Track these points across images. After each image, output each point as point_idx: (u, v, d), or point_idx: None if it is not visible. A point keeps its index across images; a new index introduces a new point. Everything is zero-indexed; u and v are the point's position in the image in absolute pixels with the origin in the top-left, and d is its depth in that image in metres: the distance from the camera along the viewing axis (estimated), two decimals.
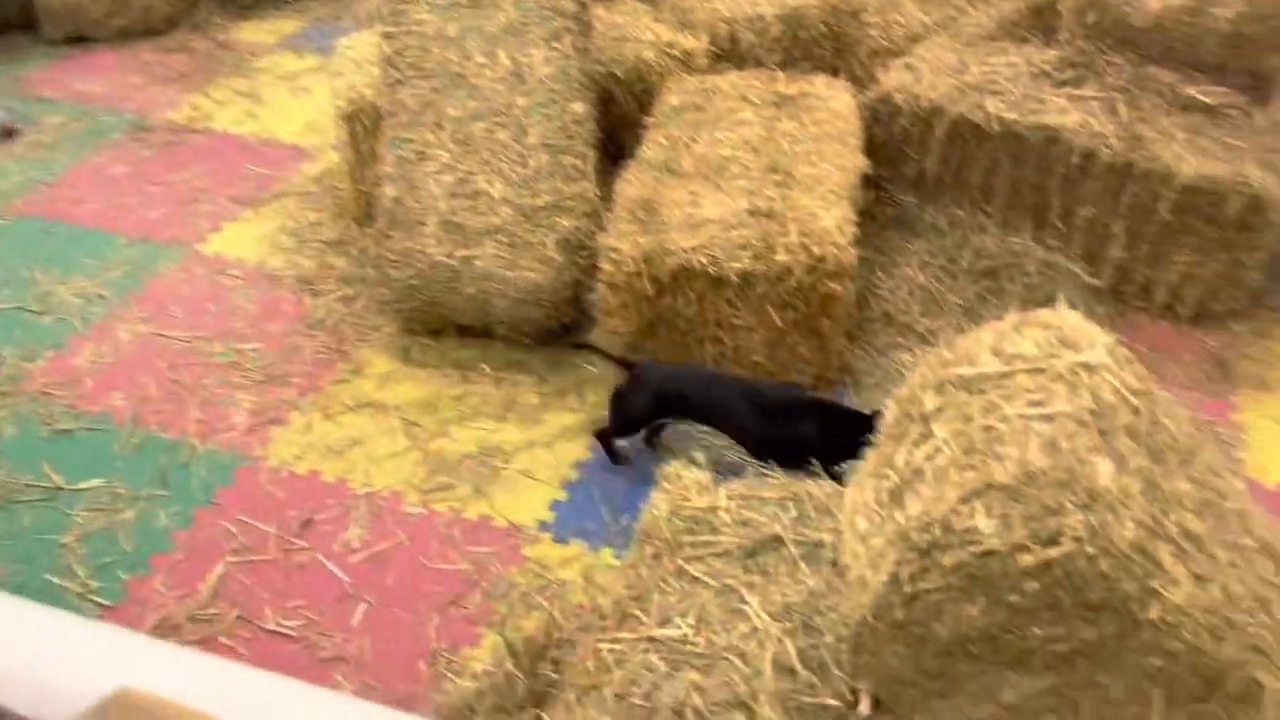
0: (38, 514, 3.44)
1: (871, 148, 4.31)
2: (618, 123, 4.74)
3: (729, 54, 4.77)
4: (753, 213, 3.76)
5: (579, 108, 4.08)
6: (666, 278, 3.63)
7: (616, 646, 2.39)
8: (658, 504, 2.74)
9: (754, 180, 3.92)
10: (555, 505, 3.50)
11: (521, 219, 3.94)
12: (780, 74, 4.53)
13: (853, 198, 3.88)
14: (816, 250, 3.58)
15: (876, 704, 2.18)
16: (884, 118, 4.48)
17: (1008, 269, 4.26)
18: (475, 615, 3.12)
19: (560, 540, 3.37)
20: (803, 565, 2.54)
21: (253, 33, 6.63)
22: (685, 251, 3.62)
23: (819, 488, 2.76)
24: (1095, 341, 2.20)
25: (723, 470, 3.45)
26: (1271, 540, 2.28)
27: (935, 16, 5.20)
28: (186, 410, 3.86)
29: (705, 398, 3.45)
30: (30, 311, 4.33)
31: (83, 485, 3.54)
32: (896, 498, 2.13)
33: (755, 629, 2.39)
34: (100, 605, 3.14)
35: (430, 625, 3.10)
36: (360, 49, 4.71)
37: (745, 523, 2.67)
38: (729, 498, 2.75)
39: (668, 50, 4.64)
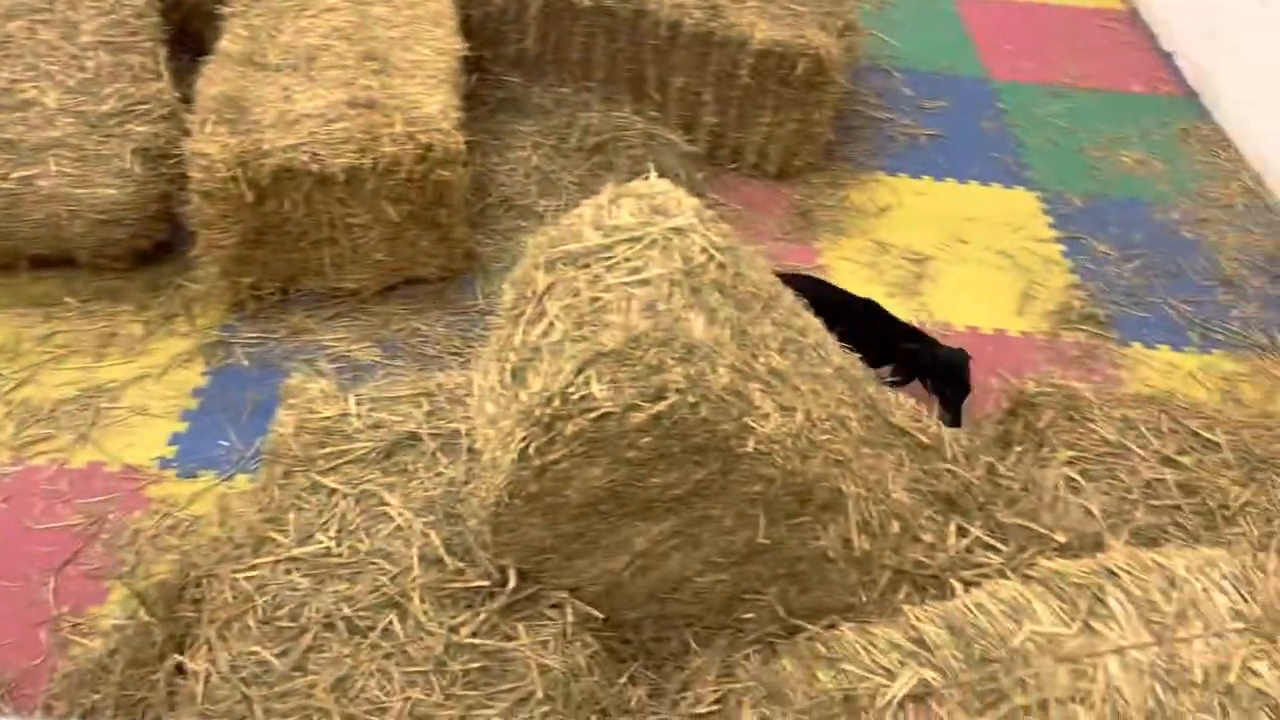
0: None
1: (469, 29, 4.23)
2: (191, 14, 4.29)
3: None
4: (352, 104, 3.58)
5: None
6: (266, 180, 3.39)
7: (255, 573, 2.30)
8: (283, 421, 2.62)
9: (349, 70, 3.72)
10: (176, 439, 3.25)
11: (87, 129, 3.50)
12: None
13: (455, 82, 3.81)
14: (423, 138, 3.49)
15: (523, 576, 2.28)
16: None
17: (614, 143, 4.40)
18: (99, 570, 2.86)
19: (187, 475, 3.15)
20: (441, 457, 2.55)
21: None
22: (283, 151, 3.40)
23: (449, 378, 2.77)
24: (684, 206, 2.33)
25: (351, 374, 3.39)
26: (846, 365, 2.60)
27: None
28: None
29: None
30: None
31: None
32: (519, 377, 2.19)
33: (399, 528, 2.39)
34: None
35: (46, 590, 2.81)
36: None
37: (378, 425, 2.63)
38: (359, 403, 2.69)
39: None
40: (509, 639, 2.23)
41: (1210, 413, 3.03)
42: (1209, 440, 2.91)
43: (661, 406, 1.98)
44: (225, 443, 3.24)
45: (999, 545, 2.56)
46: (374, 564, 2.33)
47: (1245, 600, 1.98)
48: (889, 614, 2.32)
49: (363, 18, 3.97)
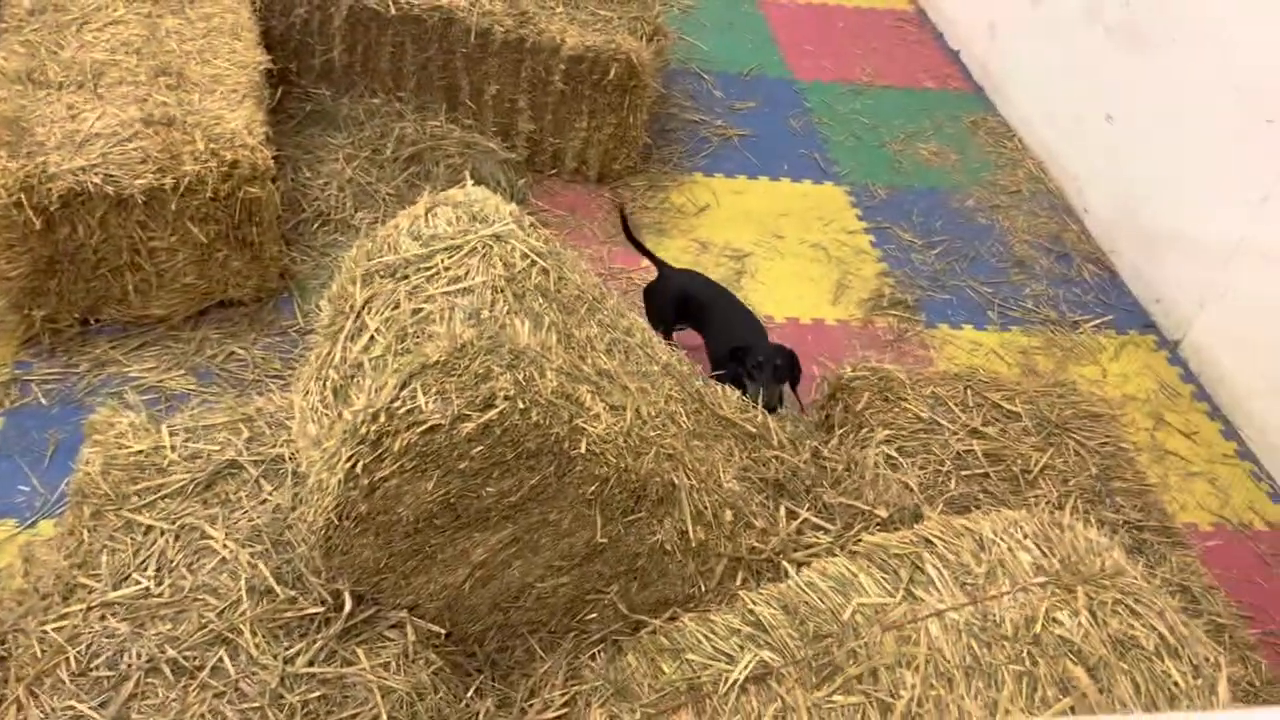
0: None
1: (272, 41, 4.10)
2: None
3: None
4: (148, 122, 3.40)
5: None
6: (55, 206, 3.18)
7: (65, 623, 2.15)
8: (89, 459, 2.47)
9: (142, 86, 3.54)
10: None
11: None
12: None
13: (258, 96, 3.67)
14: (228, 155, 3.35)
15: (359, 599, 2.22)
16: (279, 8, 4.25)
17: (431, 152, 4.34)
18: None
19: None
20: (264, 484, 2.46)
21: None
22: (73, 173, 3.19)
23: (269, 401, 2.67)
24: (502, 213, 2.33)
25: (165, 404, 3.22)
26: (673, 362, 2.65)
27: None
28: None
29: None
30: None
31: None
32: (341, 395, 2.14)
33: (224, 560, 2.29)
34: None
35: None
36: None
37: (196, 455, 2.51)
38: (173, 434, 2.56)
39: None
40: (348, 664, 2.17)
41: (1010, 385, 3.25)
42: (1010, 410, 3.12)
43: (491, 415, 1.97)
44: (25, 488, 3.02)
45: (826, 525, 2.67)
46: (199, 600, 2.22)
47: (1045, 555, 2.14)
48: (727, 601, 2.39)
49: (153, 31, 3.79)
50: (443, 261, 2.21)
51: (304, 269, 3.87)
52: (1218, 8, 4.16)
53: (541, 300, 2.21)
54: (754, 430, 2.79)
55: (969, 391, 3.16)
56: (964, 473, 2.90)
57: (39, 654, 2.11)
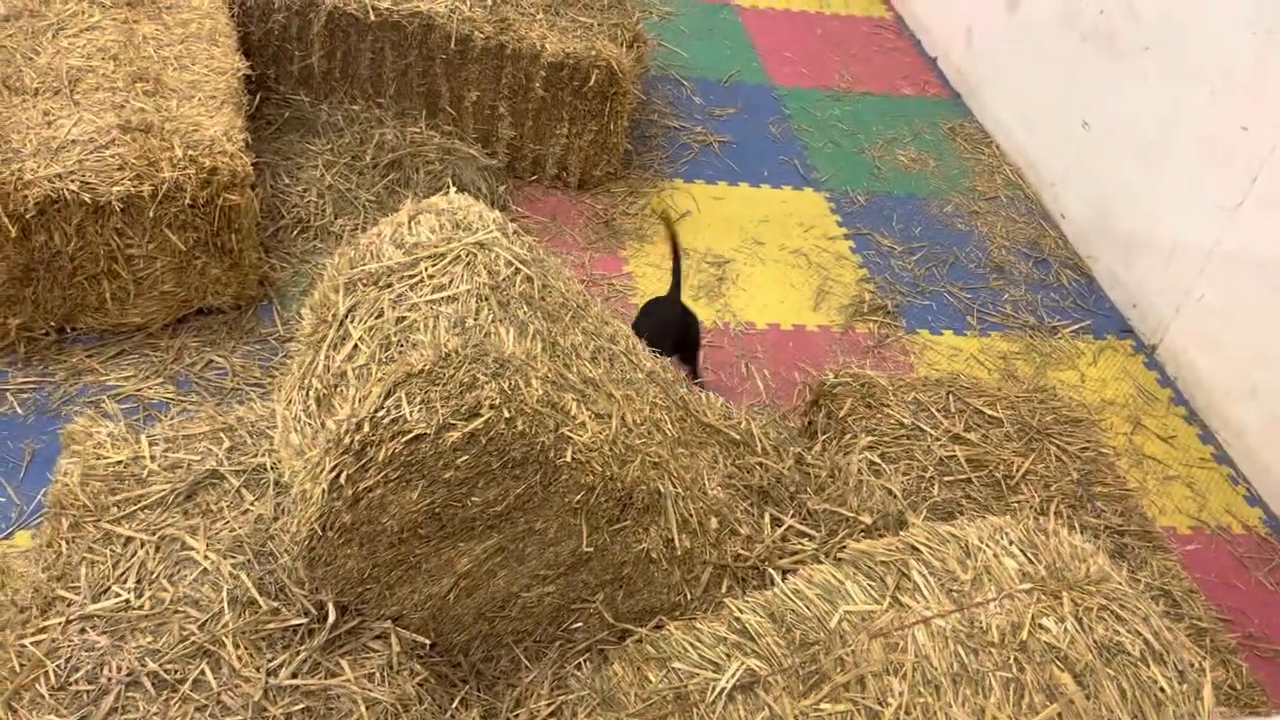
0: None
1: (250, 47, 4.07)
2: None
3: None
4: (125, 128, 3.36)
5: None
6: (31, 213, 3.14)
7: (44, 636, 2.12)
8: (66, 469, 2.44)
9: (119, 92, 3.50)
10: None
11: None
12: None
13: (237, 102, 3.64)
14: (206, 162, 3.32)
15: (343, 610, 2.20)
16: (258, 14, 4.22)
17: (411, 159, 4.32)
18: None
19: None
20: (246, 494, 2.44)
21: None
22: (49, 180, 3.15)
23: (250, 411, 2.65)
24: (486, 220, 2.33)
25: (143, 413, 3.19)
26: (657, 370, 2.65)
27: None
28: None
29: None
30: None
31: None
32: (324, 404, 2.12)
33: (205, 571, 2.26)
34: None
35: None
36: None
37: (176, 465, 2.49)
38: (152, 443, 2.53)
39: None
40: (332, 675, 2.15)
41: (991, 391, 3.27)
42: (992, 416, 3.14)
43: (477, 424, 1.96)
44: (1, 499, 2.98)
45: (811, 532, 2.67)
46: (180, 612, 2.19)
47: (1031, 561, 2.15)
48: (713, 608, 2.39)
49: (129, 37, 3.74)
50: (426, 269, 2.20)
51: (283, 276, 3.84)
52: (1193, 15, 4.21)
53: (526, 308, 2.21)
54: (738, 437, 2.79)
55: (950, 397, 3.17)
56: (947, 478, 2.91)
57: (17, 668, 2.08)
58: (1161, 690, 1.95)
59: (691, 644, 2.17)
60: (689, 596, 2.47)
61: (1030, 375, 4.13)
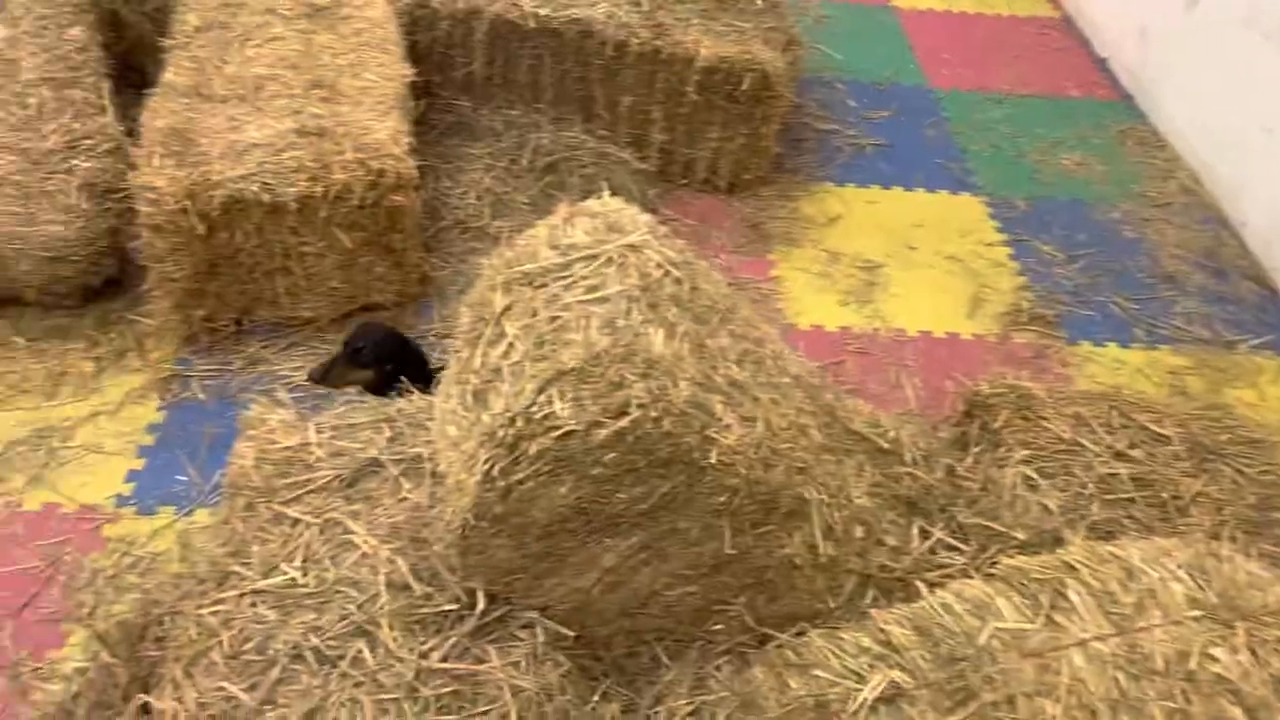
0: None
1: (416, 54, 4.24)
2: (134, 47, 4.26)
3: None
4: (301, 133, 3.57)
5: (78, 33, 3.61)
6: (217, 212, 3.37)
7: (220, 608, 2.27)
8: (243, 452, 2.59)
9: (297, 99, 3.71)
10: (133, 476, 3.20)
11: (30, 166, 3.46)
12: None
13: (404, 107, 3.81)
14: (375, 165, 3.48)
15: (492, 598, 2.27)
16: (424, 23, 4.40)
17: (566, 162, 4.43)
18: (57, 613, 2.81)
19: (146, 511, 3.11)
20: (404, 482, 2.54)
21: None
22: (234, 181, 3.38)
23: (410, 403, 2.76)
24: (638, 223, 2.35)
25: (311, 403, 3.37)
26: (804, 374, 2.63)
27: None
28: None
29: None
30: None
31: None
32: (480, 399, 2.19)
33: (365, 555, 2.37)
34: None
35: (3, 635, 2.75)
36: None
37: (340, 453, 2.61)
38: (319, 431, 2.67)
39: None
40: (480, 661, 2.22)
41: (1159, 406, 3.10)
42: (1159, 434, 2.98)
43: (625, 422, 1.99)
44: (183, 478, 3.20)
45: (961, 545, 2.60)
46: (341, 593, 2.31)
47: (1201, 588, 2.03)
48: (856, 618, 2.35)
49: (309, 46, 3.97)
50: (580, 270, 2.24)
51: (443, 275, 3.99)
52: None
53: (675, 310, 2.22)
54: (886, 446, 2.74)
55: (1114, 412, 3.02)
56: (1108, 497, 2.78)
57: (194, 636, 2.23)
58: None
59: (834, 652, 2.14)
60: (832, 605, 2.44)
61: (1203, 392, 3.90)
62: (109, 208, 3.51)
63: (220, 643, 2.21)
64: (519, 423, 2.02)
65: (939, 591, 2.20)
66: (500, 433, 2.03)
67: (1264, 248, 4.55)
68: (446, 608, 2.27)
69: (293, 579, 2.32)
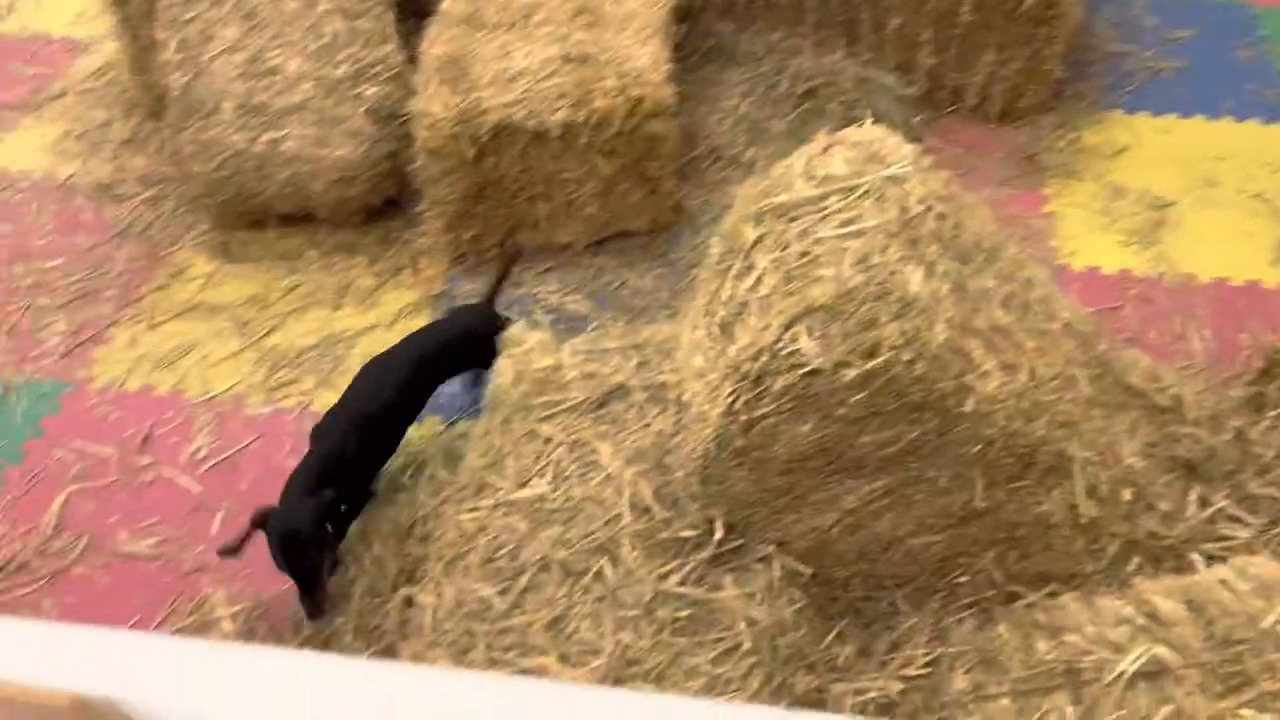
0: None
1: None
2: None
3: None
4: (566, 59, 3.64)
5: None
6: (486, 137, 3.51)
7: (477, 514, 2.42)
8: (503, 370, 2.73)
9: (562, 25, 3.78)
10: None
11: (324, 93, 3.73)
12: None
13: (665, 33, 3.80)
14: (635, 92, 3.51)
15: (730, 528, 2.29)
16: None
17: (826, 88, 4.28)
18: None
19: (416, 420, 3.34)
20: (650, 409, 2.59)
21: None
22: (502, 108, 3.50)
23: (657, 330, 2.79)
24: (901, 154, 2.24)
25: (564, 325, 3.49)
26: (1075, 321, 2.44)
27: None
28: None
29: None
30: None
31: None
32: (727, 331, 2.18)
33: (610, 476, 2.45)
34: None
35: None
36: None
37: (590, 375, 2.69)
38: (572, 354, 2.77)
39: None
40: (716, 589, 2.25)
41: None
42: None
43: (875, 364, 1.92)
44: (451, 389, 3.41)
45: (1247, 518, 2.35)
46: (585, 510, 2.40)
47: None
48: (1118, 585, 2.19)
49: None
50: (835, 203, 2.16)
51: (695, 204, 3.99)
52: None
53: (936, 247, 2.11)
54: (1165, 403, 2.50)
55: None
56: None
57: (454, 539, 2.39)
58: None
59: (1090, 619, 2.01)
60: (1090, 568, 2.28)
61: None
62: (390, 132, 3.74)
63: (476, 547, 2.36)
64: (764, 358, 1.99)
65: (1218, 566, 2.00)
66: (745, 367, 2.02)
67: None
68: (685, 534, 2.31)
69: (542, 494, 2.44)
